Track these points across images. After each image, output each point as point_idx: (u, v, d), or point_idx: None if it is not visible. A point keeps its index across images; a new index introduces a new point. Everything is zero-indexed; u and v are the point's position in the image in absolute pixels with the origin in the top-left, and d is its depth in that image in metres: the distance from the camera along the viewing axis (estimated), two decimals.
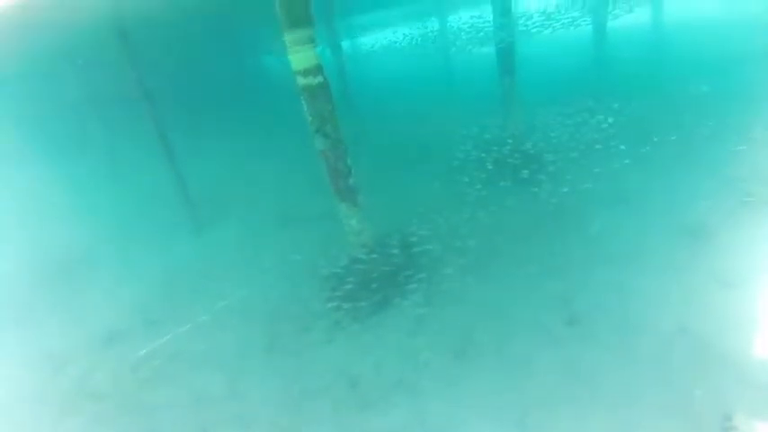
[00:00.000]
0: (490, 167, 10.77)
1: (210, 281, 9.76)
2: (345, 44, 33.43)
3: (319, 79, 6.56)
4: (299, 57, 6.37)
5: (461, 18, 27.79)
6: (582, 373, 6.03)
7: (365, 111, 18.37)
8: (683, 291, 7.00)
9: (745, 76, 13.15)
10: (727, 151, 9.81)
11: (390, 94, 21.69)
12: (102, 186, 15.89)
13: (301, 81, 6.57)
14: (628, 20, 22.66)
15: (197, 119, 18.25)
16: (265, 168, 14.56)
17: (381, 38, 31.64)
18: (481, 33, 23.08)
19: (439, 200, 10.33)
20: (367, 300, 7.59)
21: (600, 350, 6.31)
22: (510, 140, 10.98)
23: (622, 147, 10.97)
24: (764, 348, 5.87)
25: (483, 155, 11.30)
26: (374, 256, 7.79)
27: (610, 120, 12.05)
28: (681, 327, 6.44)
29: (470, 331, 7.04)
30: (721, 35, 17.77)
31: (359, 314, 7.63)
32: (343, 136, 7.38)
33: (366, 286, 7.60)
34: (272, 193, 12.87)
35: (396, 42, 30.01)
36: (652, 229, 8.43)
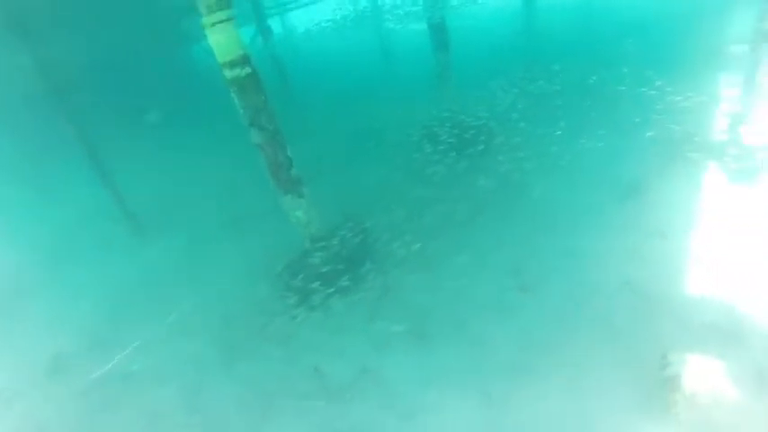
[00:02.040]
0: (431, 146, 10.79)
1: (159, 292, 9.26)
2: (276, 26, 32.23)
3: (247, 70, 6.20)
4: (223, 48, 5.98)
5: None
6: (537, 338, 6.27)
7: (302, 95, 17.82)
8: (624, 246, 7.40)
9: (669, 38, 13.83)
10: (654, 111, 10.33)
11: (327, 76, 21.19)
12: (23, 202, 14.55)
13: (228, 74, 6.19)
14: None
15: (121, 119, 16.98)
16: (205, 167, 13.85)
17: (313, 17, 30.74)
18: (414, 9, 22.88)
19: (386, 183, 10.27)
20: (322, 291, 7.48)
21: (552, 314, 6.58)
22: (448, 117, 11.01)
23: (556, 113, 11.30)
24: (695, 290, 6.34)
25: (423, 134, 11.29)
26: (325, 246, 7.64)
27: (543, 88, 12.36)
28: (624, 281, 6.82)
29: (429, 312, 7.12)
30: None
31: (315, 307, 7.52)
32: (280, 125, 7.09)
33: (320, 277, 7.47)
34: (216, 193, 12.29)
35: (328, 21, 29.25)
36: (591, 191, 8.81)
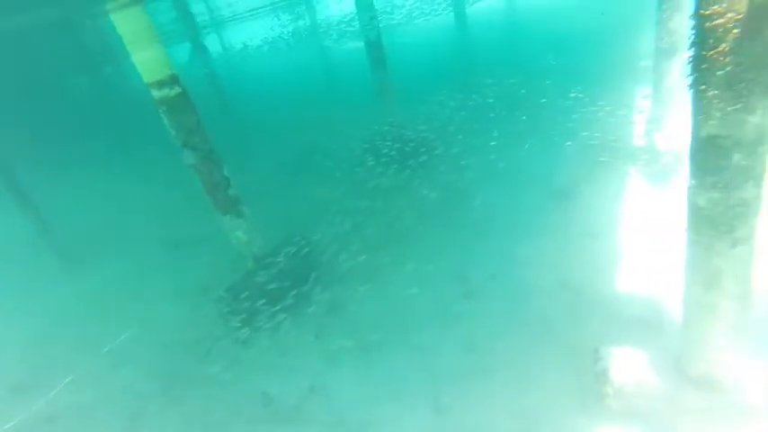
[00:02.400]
0: (374, 159, 10.92)
1: (94, 323, 8.70)
2: (215, 44, 31.66)
3: (177, 90, 6.05)
4: (149, 67, 5.80)
5: (332, 12, 27.76)
6: (482, 343, 6.43)
7: (243, 113, 17.50)
8: (559, 248, 7.78)
9: (588, 52, 14.84)
10: (579, 120, 11.01)
11: (268, 94, 20.93)
12: None
13: (156, 94, 6.01)
14: (484, 6, 24.43)
15: (46, 145, 15.93)
16: (143, 191, 13.21)
17: (253, 35, 30.47)
18: (351, 28, 23.23)
19: (330, 197, 10.24)
20: (267, 311, 7.31)
21: (495, 317, 6.78)
22: (389, 131, 11.21)
23: (491, 125, 11.78)
24: (623, 286, 6.76)
25: (365, 148, 11.41)
26: (269, 264, 7.48)
27: (477, 101, 12.86)
28: (560, 280, 7.15)
29: (376, 324, 7.13)
30: (572, 14, 19.81)
31: (261, 327, 7.33)
32: (218, 145, 6.94)
33: (264, 297, 7.30)
34: (154, 216, 11.73)
35: (268, 39, 29.09)
36: (527, 197, 9.22)
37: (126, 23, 5.55)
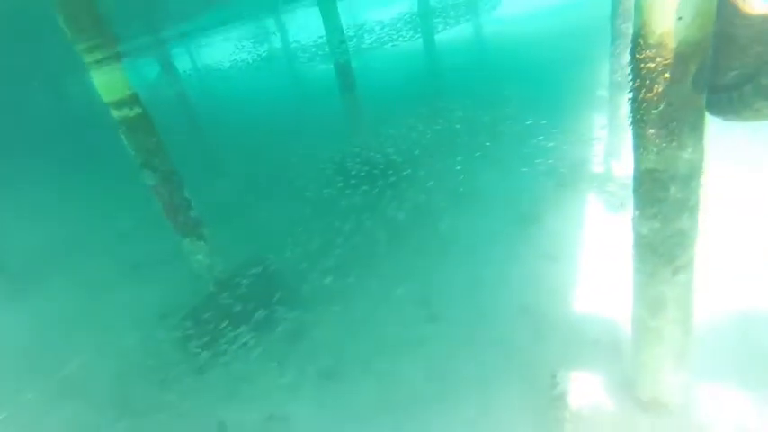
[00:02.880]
0: (340, 182, 10.96)
1: (38, 352, 8.25)
2: (185, 63, 31.46)
3: (137, 110, 5.96)
4: (108, 87, 5.71)
5: (302, 35, 28.09)
6: (444, 368, 6.43)
7: (211, 133, 17.32)
8: (521, 271, 7.92)
9: (551, 82, 15.47)
10: (543, 146, 11.39)
11: (237, 114, 20.85)
12: None
13: (116, 114, 5.90)
14: (452, 34, 25.23)
15: None
16: (100, 210, 12.81)
17: (222, 55, 30.43)
18: (321, 52, 23.51)
19: (296, 220, 10.18)
20: (227, 337, 7.12)
21: (458, 342, 6.80)
22: (357, 153, 11.31)
23: (457, 150, 12.05)
24: (582, 309, 6.91)
25: (334, 169, 11.46)
26: (229, 288, 7.34)
27: (444, 126, 13.17)
28: (522, 304, 7.26)
29: (339, 351, 7.04)
30: (537, 44, 20.65)
31: (220, 353, 7.13)
32: (182, 165, 6.84)
33: (225, 322, 7.12)
34: (111, 238, 11.37)
35: (236, 61, 29.11)
36: (491, 222, 9.39)
37: (85, 43, 5.47)
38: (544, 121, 12.06)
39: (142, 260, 10.09)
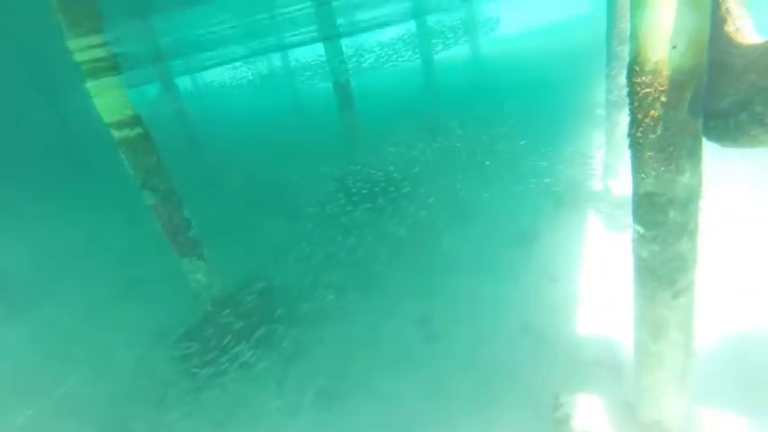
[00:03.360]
0: (339, 201, 10.98)
1: (35, 373, 8.14)
2: (187, 83, 31.79)
3: (138, 131, 6.00)
4: (109, 108, 5.76)
5: (302, 55, 28.45)
6: (444, 388, 6.35)
7: (213, 153, 17.42)
8: (522, 291, 7.88)
9: (554, 100, 15.62)
10: (541, 165, 11.46)
11: (238, 133, 20.99)
12: None
13: (116, 134, 5.94)
14: (450, 54, 25.56)
15: None
16: (98, 229, 12.79)
17: (223, 75, 30.76)
18: (320, 72, 23.78)
19: (294, 239, 10.16)
20: (225, 356, 7.04)
21: (458, 362, 6.73)
22: (355, 172, 11.36)
23: (457, 167, 12.12)
24: (583, 329, 6.86)
25: (334, 188, 11.49)
26: (228, 308, 7.28)
27: (443, 144, 13.26)
28: (522, 324, 7.20)
29: (339, 371, 6.96)
30: (535, 64, 20.93)
31: (218, 373, 7.03)
32: (183, 185, 6.85)
33: (222, 342, 7.05)
34: (110, 258, 11.32)
35: (237, 80, 29.44)
36: (491, 241, 9.38)
37: (88, 63, 5.54)
38: (542, 140, 12.16)
39: (140, 279, 10.04)
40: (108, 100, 5.71)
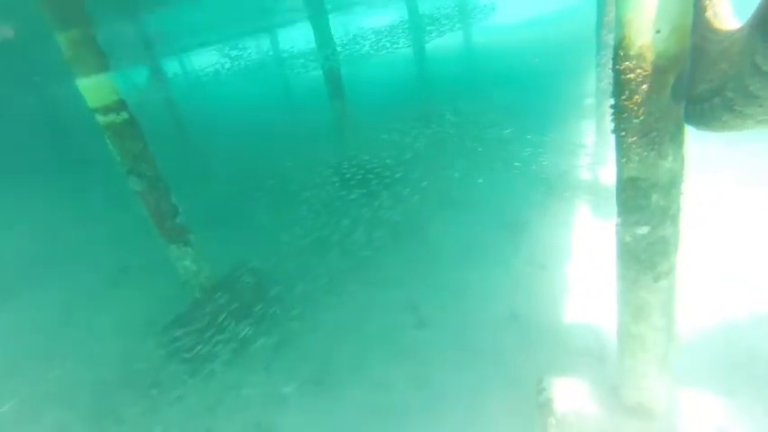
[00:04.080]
0: (329, 189, 10.97)
1: (22, 360, 8.11)
2: (175, 68, 31.28)
3: (123, 116, 5.93)
4: (94, 92, 5.67)
5: (293, 42, 28.12)
6: (434, 376, 6.42)
7: (199, 140, 17.23)
8: (510, 278, 7.96)
9: (544, 88, 15.64)
10: (531, 153, 11.50)
11: (225, 121, 20.77)
12: None
13: (102, 119, 5.86)
14: (445, 41, 25.41)
15: None
16: (84, 215, 12.66)
17: (213, 61, 30.35)
18: (311, 59, 23.54)
19: (283, 227, 10.15)
20: (213, 343, 7.06)
21: (447, 349, 6.81)
22: (347, 161, 11.34)
23: (449, 155, 12.13)
24: (571, 317, 6.96)
25: (321, 177, 11.46)
26: (216, 295, 7.28)
27: (437, 132, 13.25)
28: (511, 311, 7.29)
29: (327, 357, 7.01)
30: (528, 52, 20.89)
31: (206, 360, 7.06)
32: (171, 171, 6.80)
33: (210, 329, 7.06)
34: (98, 244, 11.23)
35: (228, 66, 29.01)
36: (480, 228, 9.43)
37: (72, 46, 5.44)
38: (533, 128, 12.21)
39: (128, 266, 9.99)
40: (92, 84, 5.63)
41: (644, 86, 3.06)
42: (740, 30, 2.30)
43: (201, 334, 7.12)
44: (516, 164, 11.09)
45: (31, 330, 8.93)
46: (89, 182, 13.69)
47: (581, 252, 8.25)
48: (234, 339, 7.23)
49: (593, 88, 9.74)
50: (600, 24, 8.87)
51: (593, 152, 10.38)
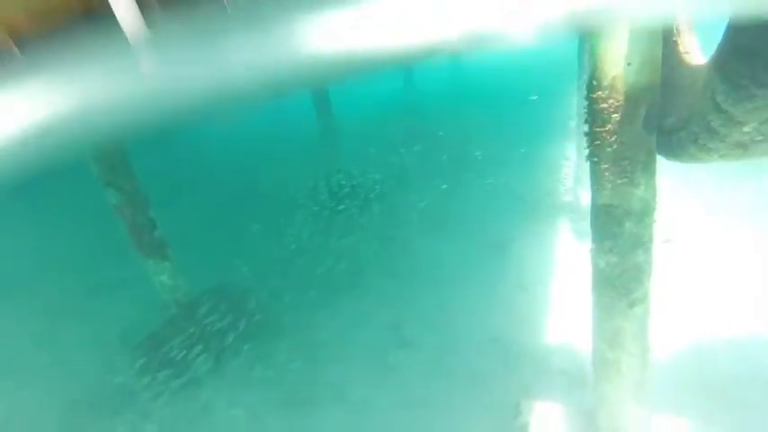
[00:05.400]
0: (312, 206, 10.89)
1: None
2: None
3: None
4: None
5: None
6: (415, 395, 6.37)
7: (181, 154, 17.01)
8: (492, 299, 7.97)
9: (530, 110, 15.83)
10: (514, 173, 11.61)
11: (211, 132, 20.51)
12: None
13: None
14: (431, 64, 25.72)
15: None
16: (59, 228, 12.32)
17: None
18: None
19: (264, 244, 10.02)
20: (188, 362, 6.89)
21: (428, 369, 6.77)
22: (329, 179, 11.29)
23: (435, 173, 12.18)
24: (550, 338, 6.97)
25: (304, 196, 11.38)
26: (193, 311, 7.13)
27: (422, 150, 13.31)
28: (491, 332, 7.27)
29: (309, 378, 6.88)
30: (512, 74, 21.21)
31: (180, 379, 6.87)
32: (146, 186, 6.68)
33: (186, 347, 6.90)
34: (74, 259, 10.88)
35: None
36: (464, 248, 9.44)
37: None
38: (516, 150, 12.35)
39: (103, 280, 9.72)
40: None
41: (616, 116, 3.12)
42: (704, 66, 2.36)
43: (176, 352, 6.95)
44: (499, 185, 11.18)
45: (4, 344, 8.61)
46: (69, 195, 13.37)
47: (562, 274, 8.30)
48: (210, 358, 7.07)
49: (575, 111, 9.91)
50: (582, 49, 9.05)
51: (575, 174, 10.53)
